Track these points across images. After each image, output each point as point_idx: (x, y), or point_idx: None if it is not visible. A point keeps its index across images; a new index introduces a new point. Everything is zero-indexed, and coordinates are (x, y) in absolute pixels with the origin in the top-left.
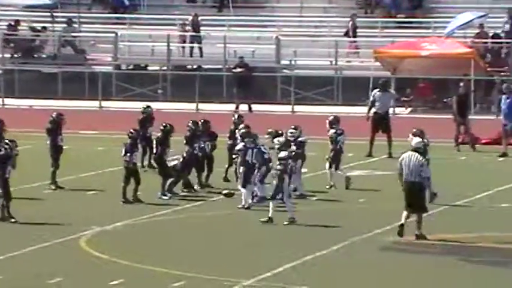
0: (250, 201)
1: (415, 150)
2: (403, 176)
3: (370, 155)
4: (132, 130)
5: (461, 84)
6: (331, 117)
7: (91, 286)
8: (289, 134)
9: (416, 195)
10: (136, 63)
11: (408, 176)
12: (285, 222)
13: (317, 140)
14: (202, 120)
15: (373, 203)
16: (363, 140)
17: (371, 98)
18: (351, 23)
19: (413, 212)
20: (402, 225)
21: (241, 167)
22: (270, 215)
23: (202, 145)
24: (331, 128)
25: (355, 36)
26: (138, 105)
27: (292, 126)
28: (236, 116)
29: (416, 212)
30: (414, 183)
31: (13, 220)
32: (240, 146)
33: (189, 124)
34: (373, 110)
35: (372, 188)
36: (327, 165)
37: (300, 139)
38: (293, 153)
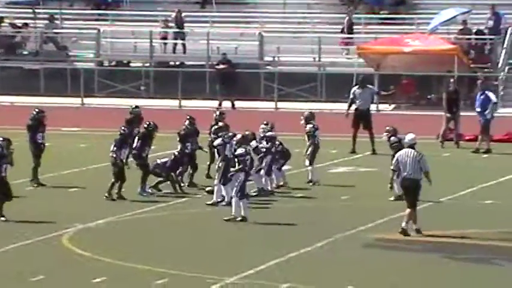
0: (217, 198)
1: (411, 146)
2: (401, 174)
3: (353, 151)
4: (123, 127)
5: (452, 80)
6: (306, 113)
7: (73, 284)
8: (260, 130)
9: (412, 192)
10: (118, 60)
11: (406, 173)
12: (225, 218)
13: (300, 136)
14: (188, 117)
15: (356, 200)
16: (346, 136)
17: (351, 96)
18: (347, 18)
19: (407, 207)
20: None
21: (221, 162)
22: (242, 213)
23: (195, 143)
24: (308, 123)
25: (350, 33)
26: (121, 102)
27: (264, 122)
28: (218, 112)
29: (409, 208)
30: (412, 181)
31: (3, 219)
32: (218, 141)
33: (186, 123)
34: (354, 106)
35: (356, 185)
36: (307, 162)
37: (267, 134)
38: (264, 149)
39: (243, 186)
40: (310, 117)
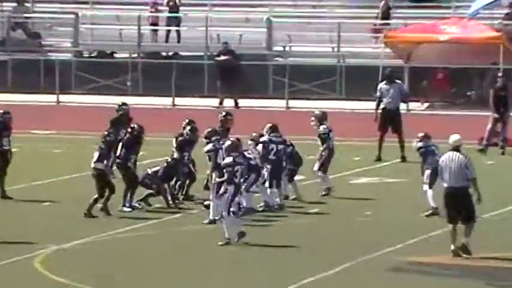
0: (214, 216)
1: (455, 149)
2: (445, 183)
3: (379, 158)
4: (108, 132)
5: (499, 75)
6: (318, 113)
7: None
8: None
9: (462, 203)
10: (100, 50)
11: (451, 181)
12: (220, 243)
13: (315, 140)
14: (188, 121)
15: (382, 216)
16: (371, 141)
17: (377, 93)
18: (382, 3)
19: (461, 223)
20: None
21: (213, 173)
22: (240, 229)
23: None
24: (321, 124)
25: (385, 18)
26: (103, 100)
27: (268, 125)
28: (223, 113)
29: (465, 222)
30: (458, 189)
31: None
32: (209, 146)
33: (187, 129)
34: (381, 105)
35: (382, 198)
36: (316, 166)
37: (261, 139)
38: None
39: (232, 201)
40: (323, 117)
